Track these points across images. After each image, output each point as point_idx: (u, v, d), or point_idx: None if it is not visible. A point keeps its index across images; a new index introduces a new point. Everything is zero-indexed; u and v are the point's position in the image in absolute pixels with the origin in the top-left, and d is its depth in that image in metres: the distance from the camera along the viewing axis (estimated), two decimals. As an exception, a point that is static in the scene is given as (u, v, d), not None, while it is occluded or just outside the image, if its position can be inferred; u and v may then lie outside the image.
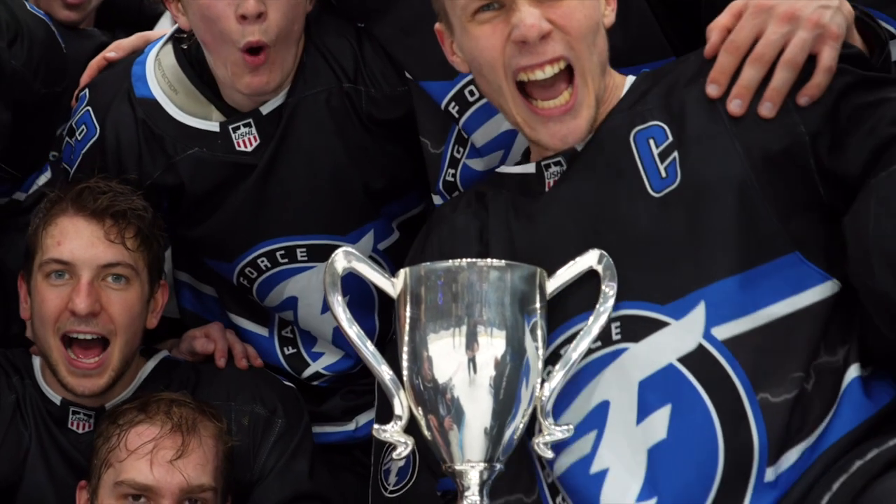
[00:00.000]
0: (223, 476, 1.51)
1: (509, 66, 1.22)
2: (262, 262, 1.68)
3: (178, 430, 1.47)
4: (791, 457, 1.12)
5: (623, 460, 1.15)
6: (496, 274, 1.12)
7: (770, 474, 1.11)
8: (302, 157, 1.63)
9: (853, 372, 1.15)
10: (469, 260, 1.13)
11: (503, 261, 1.14)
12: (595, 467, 1.16)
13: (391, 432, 1.14)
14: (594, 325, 1.15)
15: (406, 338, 1.13)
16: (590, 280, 1.18)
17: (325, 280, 1.16)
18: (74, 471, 1.55)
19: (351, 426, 1.72)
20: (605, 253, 1.17)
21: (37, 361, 1.61)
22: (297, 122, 1.62)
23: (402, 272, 1.15)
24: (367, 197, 1.67)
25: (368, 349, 1.16)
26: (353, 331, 1.16)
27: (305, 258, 1.67)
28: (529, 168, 1.30)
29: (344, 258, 1.17)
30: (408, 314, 1.13)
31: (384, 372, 1.16)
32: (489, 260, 1.14)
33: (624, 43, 1.31)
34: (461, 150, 1.51)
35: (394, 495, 1.37)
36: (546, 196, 1.26)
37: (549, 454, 1.14)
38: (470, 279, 1.11)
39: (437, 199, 1.61)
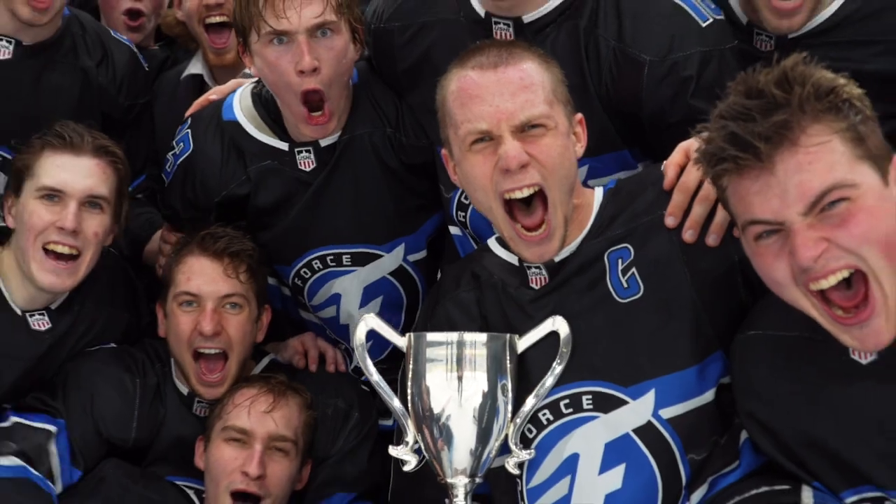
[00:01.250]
0: (303, 437, 1.91)
1: (496, 189, 1.53)
2: (316, 264, 2.06)
3: (271, 392, 1.88)
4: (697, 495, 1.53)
5: (590, 501, 1.56)
6: (481, 343, 1.50)
7: None
8: (349, 181, 1.99)
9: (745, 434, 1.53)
10: (461, 333, 1.51)
11: (485, 334, 1.52)
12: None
13: (400, 452, 1.55)
14: (549, 377, 1.53)
15: (410, 381, 1.52)
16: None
17: (354, 340, 1.56)
18: (192, 442, 1.96)
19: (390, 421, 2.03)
20: (563, 320, 1.54)
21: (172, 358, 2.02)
22: (347, 154, 1.99)
23: (409, 336, 1.53)
24: (400, 216, 2.04)
25: (385, 390, 1.56)
26: (375, 377, 1.56)
27: (350, 263, 2.05)
28: (513, 259, 1.63)
29: (364, 325, 1.56)
30: (411, 365, 1.52)
31: (397, 404, 1.55)
32: (476, 334, 1.52)
33: (590, 140, 1.64)
34: (468, 198, 1.86)
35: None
36: (537, 295, 1.59)
37: (516, 471, 1.54)
38: (461, 347, 1.49)
39: (453, 230, 1.98)
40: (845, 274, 1.28)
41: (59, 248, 1.90)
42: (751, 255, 1.37)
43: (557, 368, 1.53)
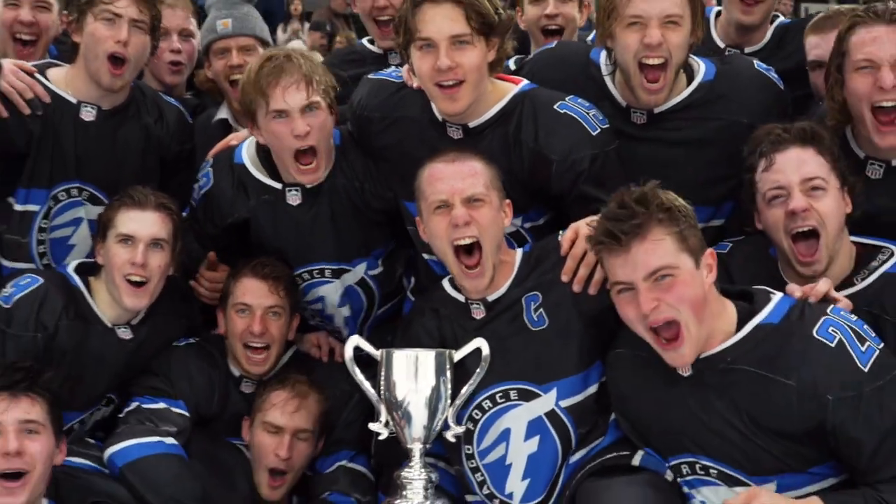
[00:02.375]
0: (319, 424, 2.66)
1: (449, 238, 2.29)
2: (304, 275, 2.78)
3: (297, 396, 2.63)
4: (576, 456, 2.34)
5: (518, 460, 2.33)
6: (430, 357, 2.27)
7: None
8: (327, 216, 2.72)
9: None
10: (416, 350, 2.29)
11: (433, 350, 2.28)
12: (507, 461, 2.34)
13: (377, 427, 2.32)
14: (476, 378, 2.30)
15: (382, 380, 2.28)
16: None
17: (345, 355, 2.35)
18: (239, 413, 2.72)
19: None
20: (484, 341, 2.30)
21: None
22: (326, 196, 2.70)
23: (382, 352, 2.29)
24: (363, 243, 2.77)
25: (367, 386, 2.34)
26: (359, 377, 2.34)
27: (330, 275, 2.78)
28: (461, 297, 2.40)
29: (350, 344, 2.34)
30: (384, 371, 2.28)
31: (374, 395, 2.32)
32: (426, 351, 2.28)
33: (520, 203, 2.44)
34: None
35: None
36: (478, 325, 2.36)
37: (453, 440, 2.31)
38: (416, 359, 2.27)
39: (427, 257, 2.66)
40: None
41: (134, 279, 2.59)
42: (615, 301, 2.14)
43: (479, 372, 2.30)
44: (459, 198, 2.28)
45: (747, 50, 2.96)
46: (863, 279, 2.27)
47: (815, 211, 2.21)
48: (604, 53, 2.57)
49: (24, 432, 2.29)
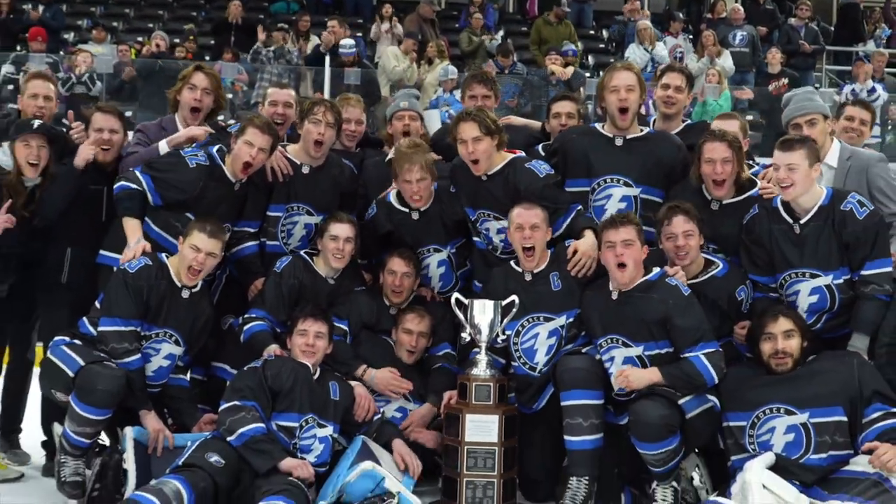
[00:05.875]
0: (430, 330, 4.98)
1: (520, 243, 4.91)
2: (422, 252, 5.33)
3: (418, 315, 5.04)
4: (566, 348, 4.88)
5: (542, 348, 4.74)
6: (490, 304, 4.76)
7: None
8: (431, 223, 5.24)
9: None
10: (483, 300, 4.79)
11: (492, 301, 4.76)
12: (535, 348, 4.72)
13: (464, 335, 4.85)
14: (512, 314, 4.81)
15: (469, 313, 4.78)
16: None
17: (451, 302, 4.87)
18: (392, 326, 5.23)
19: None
20: (516, 296, 4.78)
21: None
22: (429, 215, 5.22)
23: (469, 300, 4.81)
24: (448, 237, 5.25)
25: (460, 315, 4.87)
26: (457, 311, 4.88)
27: (433, 252, 5.29)
28: (520, 270, 4.81)
29: (454, 297, 4.88)
30: (470, 309, 4.78)
31: (463, 319, 4.86)
32: (488, 301, 4.77)
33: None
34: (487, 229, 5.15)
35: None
36: (528, 285, 4.76)
37: (501, 345, 4.81)
38: (485, 304, 4.77)
39: (476, 240, 5.19)
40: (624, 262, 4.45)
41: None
42: (602, 252, 4.58)
43: (514, 311, 4.76)
44: (528, 224, 4.76)
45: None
46: (704, 276, 4.71)
47: (688, 245, 4.65)
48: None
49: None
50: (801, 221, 4.49)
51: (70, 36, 14.25)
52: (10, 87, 11.70)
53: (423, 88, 11.90)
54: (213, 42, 14.08)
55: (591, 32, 15.51)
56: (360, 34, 13.83)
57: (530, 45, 14.05)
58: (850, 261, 4.42)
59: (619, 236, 4.41)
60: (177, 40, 13.86)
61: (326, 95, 11.19)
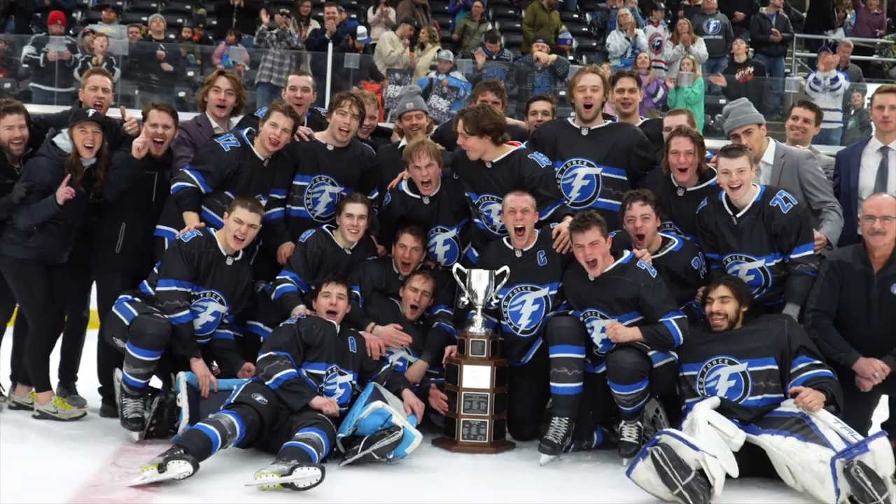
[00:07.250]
0: (432, 290, 5.89)
1: (512, 224, 5.77)
2: (431, 232, 6.17)
3: (423, 276, 5.90)
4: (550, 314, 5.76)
5: (526, 312, 5.60)
6: (485, 273, 5.66)
7: None
8: (439, 208, 6.15)
9: None
10: (480, 270, 5.69)
11: (487, 271, 5.66)
12: (520, 312, 5.59)
13: (463, 299, 5.72)
14: (499, 285, 5.68)
15: (467, 280, 5.67)
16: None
17: (453, 271, 5.73)
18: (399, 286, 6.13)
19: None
20: (507, 268, 5.65)
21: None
22: (438, 200, 6.09)
23: (469, 270, 5.69)
24: (453, 218, 6.16)
25: (460, 282, 5.73)
26: (457, 278, 5.74)
27: (440, 232, 6.17)
28: (511, 247, 5.70)
29: (454, 267, 5.74)
30: (468, 277, 5.66)
31: (462, 286, 5.72)
32: (483, 271, 5.66)
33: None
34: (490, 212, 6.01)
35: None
36: (518, 261, 5.63)
37: (493, 308, 5.69)
38: (482, 273, 5.66)
39: (477, 221, 6.03)
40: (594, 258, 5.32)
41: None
42: (574, 250, 5.44)
43: (505, 279, 5.64)
44: (520, 208, 5.59)
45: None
46: (662, 251, 5.59)
47: (645, 227, 5.52)
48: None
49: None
50: (738, 215, 5.34)
51: (78, 15, 14.89)
52: (27, 66, 12.42)
53: (415, 72, 12.68)
54: (215, 23, 14.77)
55: (576, 16, 16.25)
56: (354, 16, 14.59)
57: (523, 26, 14.77)
58: (780, 247, 5.29)
59: (585, 239, 5.24)
60: (179, 20, 14.56)
61: (328, 79, 11.97)
